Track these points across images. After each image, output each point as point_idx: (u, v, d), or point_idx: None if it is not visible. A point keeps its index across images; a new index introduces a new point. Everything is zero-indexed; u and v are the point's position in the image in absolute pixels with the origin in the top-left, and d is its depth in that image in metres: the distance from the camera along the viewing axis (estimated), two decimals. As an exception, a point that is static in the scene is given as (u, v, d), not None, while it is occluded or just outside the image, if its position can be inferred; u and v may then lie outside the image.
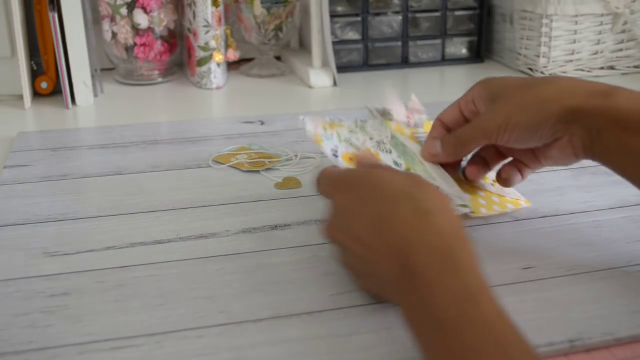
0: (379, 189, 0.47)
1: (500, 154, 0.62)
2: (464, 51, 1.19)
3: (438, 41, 1.17)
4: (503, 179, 0.62)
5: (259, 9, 1.06)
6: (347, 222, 0.47)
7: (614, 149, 0.53)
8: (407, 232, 0.43)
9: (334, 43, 1.08)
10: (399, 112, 0.66)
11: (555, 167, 0.73)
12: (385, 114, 0.66)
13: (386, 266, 0.44)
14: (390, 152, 0.60)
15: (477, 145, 0.60)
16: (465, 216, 0.58)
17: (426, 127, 0.66)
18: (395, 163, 0.59)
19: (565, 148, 0.56)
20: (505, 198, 0.63)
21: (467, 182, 0.62)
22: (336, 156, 0.59)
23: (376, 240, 0.45)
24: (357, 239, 0.47)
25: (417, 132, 0.65)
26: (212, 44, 1.03)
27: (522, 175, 0.62)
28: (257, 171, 0.74)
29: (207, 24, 1.02)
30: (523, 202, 0.64)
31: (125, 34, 1.04)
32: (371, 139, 0.60)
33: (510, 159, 0.62)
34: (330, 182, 0.51)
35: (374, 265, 0.46)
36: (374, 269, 0.46)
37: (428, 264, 0.41)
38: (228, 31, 1.07)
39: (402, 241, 0.43)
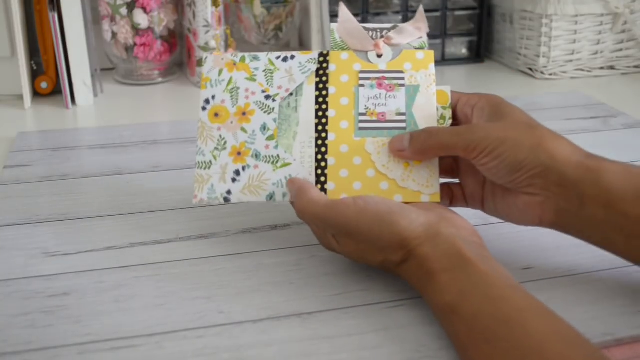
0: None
1: (454, 170, 0.58)
2: (464, 51, 1.19)
3: (438, 41, 1.17)
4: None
5: (259, 9, 1.06)
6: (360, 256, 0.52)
7: (600, 222, 0.49)
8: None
9: (334, 43, 1.07)
10: (353, 34, 0.57)
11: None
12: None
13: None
14: (270, 113, 0.54)
15: (451, 154, 0.53)
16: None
17: (391, 65, 0.59)
18: (264, 127, 0.54)
19: (532, 208, 0.51)
20: (409, 191, 0.54)
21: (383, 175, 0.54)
22: (204, 108, 0.56)
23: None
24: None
25: (372, 69, 0.57)
26: (212, 44, 1.03)
27: (451, 202, 0.57)
28: (257, 171, 0.73)
29: (207, 24, 1.02)
30: (427, 197, 0.54)
31: (125, 34, 1.04)
32: (263, 92, 0.54)
33: (456, 180, 0.57)
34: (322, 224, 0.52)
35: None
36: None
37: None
38: (228, 31, 1.07)
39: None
